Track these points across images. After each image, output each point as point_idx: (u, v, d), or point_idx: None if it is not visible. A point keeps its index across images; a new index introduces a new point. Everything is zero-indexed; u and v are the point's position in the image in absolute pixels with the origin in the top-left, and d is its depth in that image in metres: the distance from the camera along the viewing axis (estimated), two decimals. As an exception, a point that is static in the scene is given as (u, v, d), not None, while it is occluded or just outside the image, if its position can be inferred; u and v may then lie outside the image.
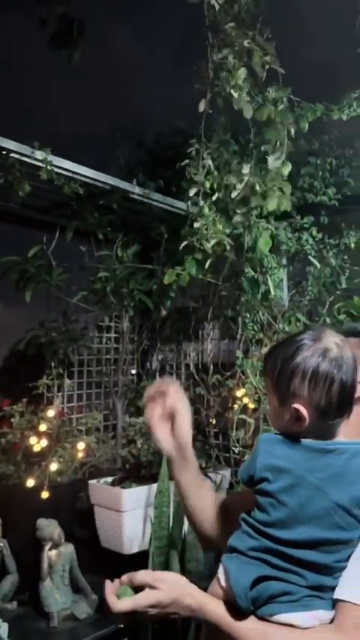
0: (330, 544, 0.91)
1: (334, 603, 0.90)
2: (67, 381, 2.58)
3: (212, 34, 1.92)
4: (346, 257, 2.56)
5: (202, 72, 1.94)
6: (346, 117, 1.81)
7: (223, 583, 0.93)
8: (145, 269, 2.75)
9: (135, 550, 2.23)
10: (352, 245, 2.53)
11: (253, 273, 2.55)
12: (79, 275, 2.82)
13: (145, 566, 1.98)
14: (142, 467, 2.48)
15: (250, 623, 0.90)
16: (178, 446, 1.17)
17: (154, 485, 2.21)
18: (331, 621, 0.90)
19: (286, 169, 1.72)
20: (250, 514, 0.98)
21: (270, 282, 2.47)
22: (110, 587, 0.95)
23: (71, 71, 2.44)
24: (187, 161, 1.97)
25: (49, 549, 2.04)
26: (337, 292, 2.50)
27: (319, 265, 2.54)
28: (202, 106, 1.95)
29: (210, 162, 1.98)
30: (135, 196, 2.46)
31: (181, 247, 2.00)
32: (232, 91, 1.80)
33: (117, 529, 2.22)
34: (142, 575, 0.94)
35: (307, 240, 2.55)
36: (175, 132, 2.92)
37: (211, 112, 2.00)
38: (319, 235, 2.58)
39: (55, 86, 2.92)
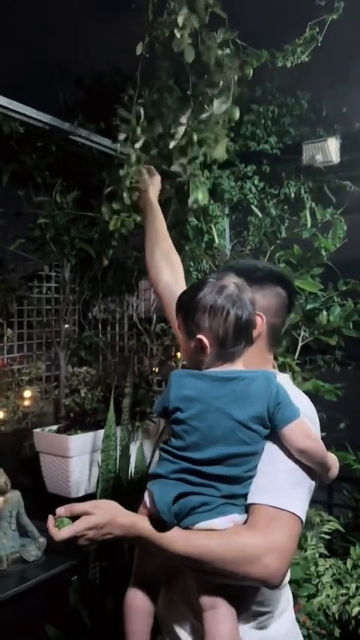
0: (238, 457, 1.04)
1: (247, 508, 1.04)
2: (8, 331, 2.52)
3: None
4: (285, 207, 2.61)
5: (142, 13, 1.84)
6: (290, 64, 1.80)
7: (149, 505, 1.04)
8: (86, 216, 2.69)
9: (81, 494, 2.28)
10: (292, 195, 2.57)
11: (196, 222, 2.55)
12: (16, 222, 2.71)
13: (93, 508, 2.02)
14: (87, 415, 2.50)
15: (175, 532, 1.02)
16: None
17: (100, 432, 2.24)
18: (245, 523, 1.04)
19: (235, 114, 1.69)
20: (167, 443, 1.10)
21: (214, 231, 2.49)
22: (51, 521, 1.04)
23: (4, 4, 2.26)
24: (117, 106, 1.88)
25: (-4, 496, 2.04)
26: (278, 242, 2.56)
27: (260, 215, 2.58)
28: (139, 49, 1.86)
29: (141, 109, 1.90)
30: (75, 138, 2.36)
31: (105, 192, 1.94)
32: (175, 31, 1.73)
33: (63, 474, 2.25)
34: (79, 506, 1.04)
35: (249, 189, 2.57)
36: (116, 71, 2.81)
37: (148, 55, 1.91)
38: (262, 184, 2.61)
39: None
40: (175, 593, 1.16)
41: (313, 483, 1.09)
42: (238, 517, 1.03)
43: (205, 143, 1.68)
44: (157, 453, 2.62)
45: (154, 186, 1.79)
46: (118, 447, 2.20)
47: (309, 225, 2.48)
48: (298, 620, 2.01)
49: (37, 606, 1.92)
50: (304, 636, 1.99)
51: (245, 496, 1.05)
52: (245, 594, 1.06)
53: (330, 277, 2.55)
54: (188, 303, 1.11)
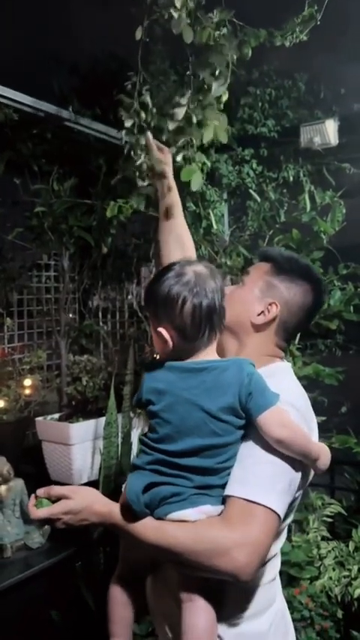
0: (210, 449, 1.03)
1: (224, 500, 1.03)
2: (7, 321, 2.52)
3: None
4: (284, 191, 2.59)
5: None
6: (289, 43, 1.76)
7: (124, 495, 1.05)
8: (84, 204, 2.67)
9: (84, 480, 2.29)
10: (291, 178, 2.55)
11: (194, 208, 2.53)
12: (13, 211, 2.69)
13: (95, 495, 2.03)
14: (89, 402, 2.51)
15: (148, 521, 1.02)
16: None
17: (101, 419, 2.25)
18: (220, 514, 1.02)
19: (224, 97, 1.67)
20: (145, 435, 1.10)
21: (212, 217, 2.47)
22: (32, 500, 1.08)
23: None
24: (121, 95, 1.85)
25: (-1, 485, 2.05)
26: (277, 226, 2.54)
27: (259, 199, 2.56)
28: (138, 34, 1.82)
29: (148, 98, 1.88)
30: (71, 125, 2.34)
31: (113, 181, 1.92)
32: (172, 11, 1.69)
33: (66, 462, 2.26)
34: (58, 488, 1.07)
35: (247, 174, 2.54)
36: (111, 57, 2.77)
37: (148, 40, 1.88)
38: (260, 168, 2.58)
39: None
40: (160, 583, 1.16)
41: (297, 476, 1.06)
42: (210, 508, 1.01)
43: (205, 124, 1.65)
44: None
45: (167, 163, 1.62)
46: (120, 434, 2.21)
47: (308, 208, 2.46)
48: (300, 603, 2.04)
49: (42, 592, 1.94)
50: (306, 618, 2.02)
51: (223, 487, 1.03)
52: (224, 589, 1.05)
53: (330, 261, 2.54)
54: (148, 294, 1.09)
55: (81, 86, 2.82)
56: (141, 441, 1.10)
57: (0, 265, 2.69)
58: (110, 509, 1.04)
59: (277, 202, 2.53)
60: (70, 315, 3.07)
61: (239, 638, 1.08)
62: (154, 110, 1.67)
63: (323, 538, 2.39)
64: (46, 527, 2.08)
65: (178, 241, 1.51)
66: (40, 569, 1.95)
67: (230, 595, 1.07)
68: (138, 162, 1.72)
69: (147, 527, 1.01)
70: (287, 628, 1.20)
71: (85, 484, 2.28)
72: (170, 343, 1.05)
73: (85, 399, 2.49)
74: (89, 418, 2.37)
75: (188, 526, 0.99)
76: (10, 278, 2.73)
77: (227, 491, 1.02)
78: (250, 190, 2.56)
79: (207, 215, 2.47)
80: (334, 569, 2.24)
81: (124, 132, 1.67)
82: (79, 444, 2.27)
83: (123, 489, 1.06)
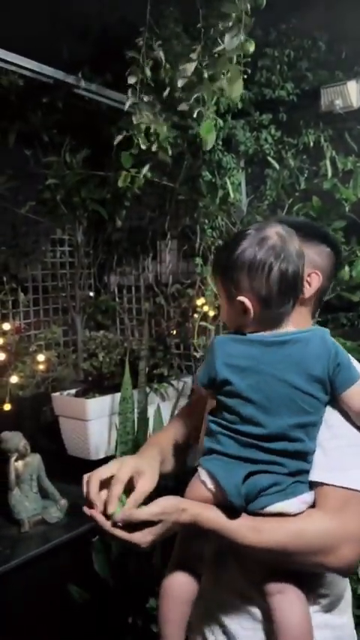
0: (301, 428, 0.93)
1: (312, 485, 0.94)
2: (21, 296, 2.49)
3: None
4: (304, 157, 2.48)
5: None
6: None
7: (210, 486, 0.94)
8: (97, 176, 2.60)
9: (101, 456, 2.28)
10: (311, 144, 2.43)
11: (210, 177, 2.44)
12: (25, 183, 2.64)
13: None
14: (105, 378, 2.48)
15: (242, 521, 0.91)
16: None
17: (118, 395, 2.22)
18: (312, 503, 0.93)
19: (250, 47, 1.57)
20: (216, 416, 0.98)
21: (229, 185, 2.38)
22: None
23: None
24: (131, 51, 1.76)
25: (15, 460, 2.04)
26: (297, 194, 2.44)
27: (278, 167, 2.45)
28: None
29: (162, 53, 1.79)
30: (82, 92, 2.26)
31: (115, 143, 1.85)
32: None
33: (83, 437, 2.25)
34: (141, 514, 0.90)
35: (265, 140, 2.44)
36: (122, 21, 2.66)
37: None
38: (278, 134, 2.47)
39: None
40: (226, 575, 1.05)
41: None
42: (307, 496, 0.93)
43: (216, 80, 1.56)
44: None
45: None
46: (136, 409, 2.18)
47: (329, 175, 2.35)
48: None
49: (59, 567, 1.94)
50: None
51: (308, 472, 0.95)
52: (313, 575, 0.97)
53: (353, 231, 2.44)
54: (225, 260, 0.97)
55: (91, 51, 2.71)
56: (215, 423, 0.98)
57: (13, 240, 2.65)
58: (196, 514, 0.92)
59: (296, 169, 2.42)
60: (92, 294, 3.04)
61: (325, 629, 1.00)
62: (168, 65, 1.58)
63: None
64: (63, 502, 2.08)
65: None
66: (58, 543, 1.95)
67: (316, 581, 0.98)
68: (135, 121, 1.65)
69: (243, 528, 0.90)
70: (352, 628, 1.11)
71: (102, 459, 2.27)
72: (252, 314, 0.95)
73: (101, 375, 2.47)
74: (105, 394, 2.35)
75: (289, 523, 0.90)
76: (24, 253, 2.69)
77: (319, 478, 0.93)
78: (269, 157, 2.45)
79: (224, 184, 2.38)
80: None
81: (129, 91, 1.59)
82: (96, 420, 2.25)
83: (204, 479, 0.94)
